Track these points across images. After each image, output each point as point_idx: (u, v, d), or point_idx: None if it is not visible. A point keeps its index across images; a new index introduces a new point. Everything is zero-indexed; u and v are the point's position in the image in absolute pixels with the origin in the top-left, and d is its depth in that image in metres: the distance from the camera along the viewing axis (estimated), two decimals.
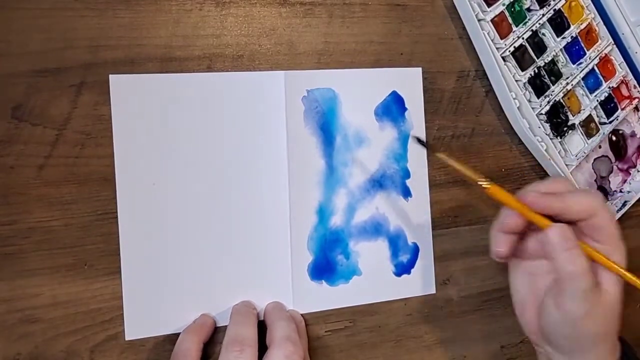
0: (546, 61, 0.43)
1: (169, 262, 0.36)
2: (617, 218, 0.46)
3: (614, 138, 0.48)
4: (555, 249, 0.35)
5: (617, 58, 0.46)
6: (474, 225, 0.44)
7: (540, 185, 0.37)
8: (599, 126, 0.46)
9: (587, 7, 0.44)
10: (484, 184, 0.36)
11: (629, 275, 0.35)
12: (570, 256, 0.35)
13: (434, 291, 0.43)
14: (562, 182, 0.38)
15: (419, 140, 0.41)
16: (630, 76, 0.46)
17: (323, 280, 0.40)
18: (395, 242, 0.42)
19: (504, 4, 0.41)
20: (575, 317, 0.36)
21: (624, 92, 0.46)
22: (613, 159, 0.48)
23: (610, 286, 0.35)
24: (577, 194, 0.36)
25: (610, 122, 0.46)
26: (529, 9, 0.43)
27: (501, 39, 0.42)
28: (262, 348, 0.34)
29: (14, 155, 0.34)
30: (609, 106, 0.46)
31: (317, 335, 0.40)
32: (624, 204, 0.47)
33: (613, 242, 0.35)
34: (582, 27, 0.44)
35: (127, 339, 0.36)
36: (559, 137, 0.44)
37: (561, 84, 0.44)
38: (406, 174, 0.42)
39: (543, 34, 0.44)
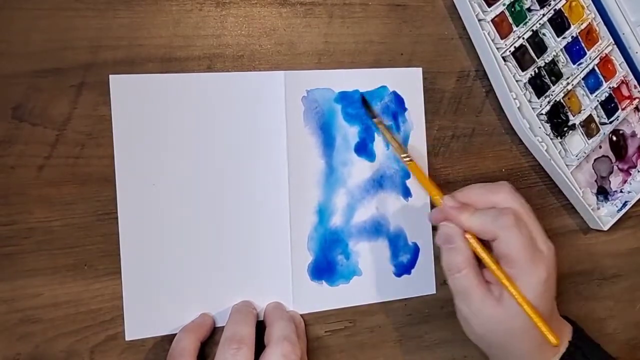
0: (546, 61, 0.43)
1: (169, 263, 0.36)
2: (617, 218, 0.46)
3: (614, 138, 0.48)
4: (440, 244, 0.37)
5: (617, 58, 0.46)
6: None
7: (458, 193, 0.37)
8: (600, 126, 0.46)
9: (587, 7, 0.44)
10: (406, 159, 0.39)
11: (514, 292, 0.34)
12: (446, 252, 0.36)
13: (434, 291, 0.43)
14: (479, 192, 0.37)
15: (365, 102, 0.40)
16: (631, 76, 0.46)
17: (323, 281, 0.40)
18: (395, 242, 0.42)
19: (504, 4, 0.41)
20: (463, 320, 0.37)
21: (625, 92, 0.46)
22: (613, 159, 0.48)
23: (512, 300, 0.34)
24: (479, 215, 0.35)
25: (611, 122, 0.46)
26: (529, 9, 0.43)
27: (501, 39, 0.42)
28: (261, 349, 0.34)
29: (14, 156, 0.34)
30: (609, 106, 0.46)
31: (317, 335, 0.40)
32: (624, 204, 0.47)
33: (518, 267, 0.34)
34: (583, 27, 0.44)
35: (127, 339, 0.36)
36: (559, 137, 0.44)
37: (561, 84, 0.44)
38: (406, 174, 0.42)
39: (543, 34, 0.44)
